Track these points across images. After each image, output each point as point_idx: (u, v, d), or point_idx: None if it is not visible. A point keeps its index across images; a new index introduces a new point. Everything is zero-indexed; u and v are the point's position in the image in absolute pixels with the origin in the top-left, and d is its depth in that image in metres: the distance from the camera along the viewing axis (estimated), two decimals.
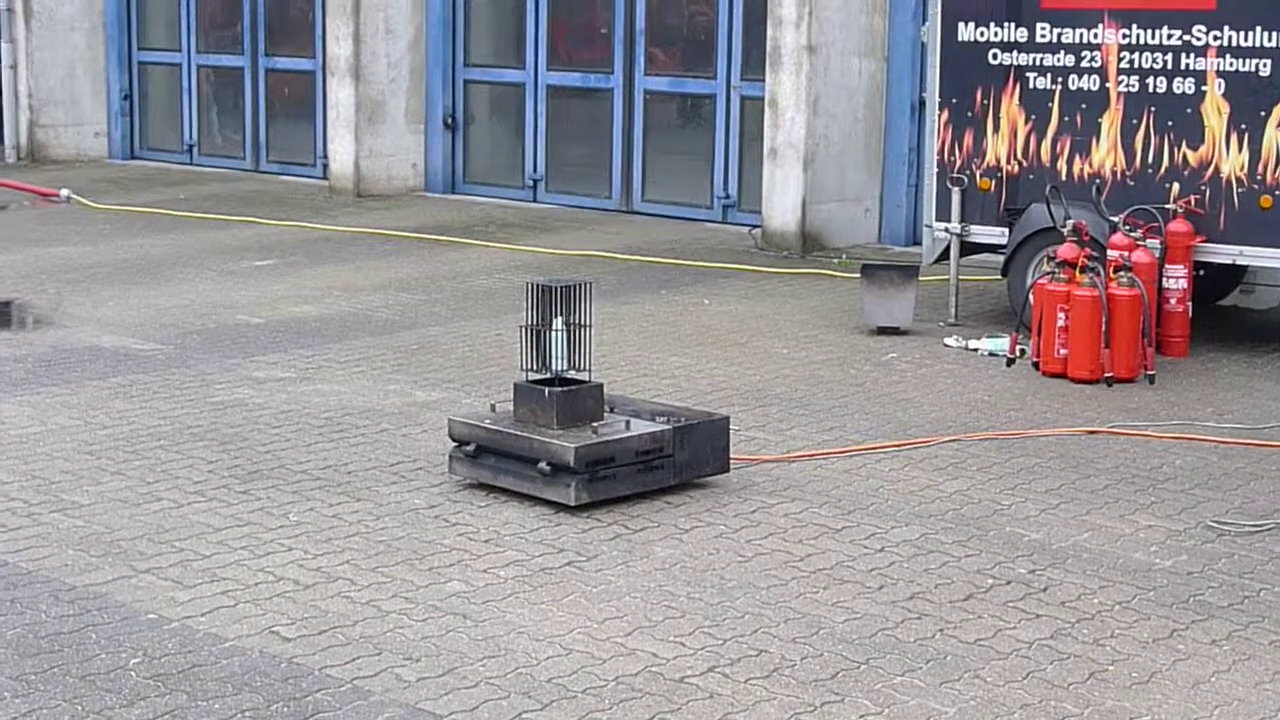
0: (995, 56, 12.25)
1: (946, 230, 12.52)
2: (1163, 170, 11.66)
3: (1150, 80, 11.66)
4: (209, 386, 10.41)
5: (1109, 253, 11.14)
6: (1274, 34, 11.21)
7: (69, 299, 13.25)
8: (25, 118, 22.66)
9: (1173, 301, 11.46)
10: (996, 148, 12.29)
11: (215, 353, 11.36)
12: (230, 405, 9.97)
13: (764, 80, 16.21)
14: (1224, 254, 11.60)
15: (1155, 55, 11.62)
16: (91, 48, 23.02)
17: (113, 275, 14.41)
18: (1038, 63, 12.08)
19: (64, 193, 19.12)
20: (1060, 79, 12.00)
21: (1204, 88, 11.46)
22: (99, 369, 10.84)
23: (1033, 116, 12.13)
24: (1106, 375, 10.76)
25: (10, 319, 12.81)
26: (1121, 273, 10.93)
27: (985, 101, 12.30)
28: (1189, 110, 11.53)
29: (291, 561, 7.26)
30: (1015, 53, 12.16)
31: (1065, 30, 11.95)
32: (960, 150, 12.43)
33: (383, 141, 19.54)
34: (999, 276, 12.67)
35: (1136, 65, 11.70)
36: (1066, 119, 12.00)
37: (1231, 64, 11.36)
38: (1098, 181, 11.84)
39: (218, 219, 17.79)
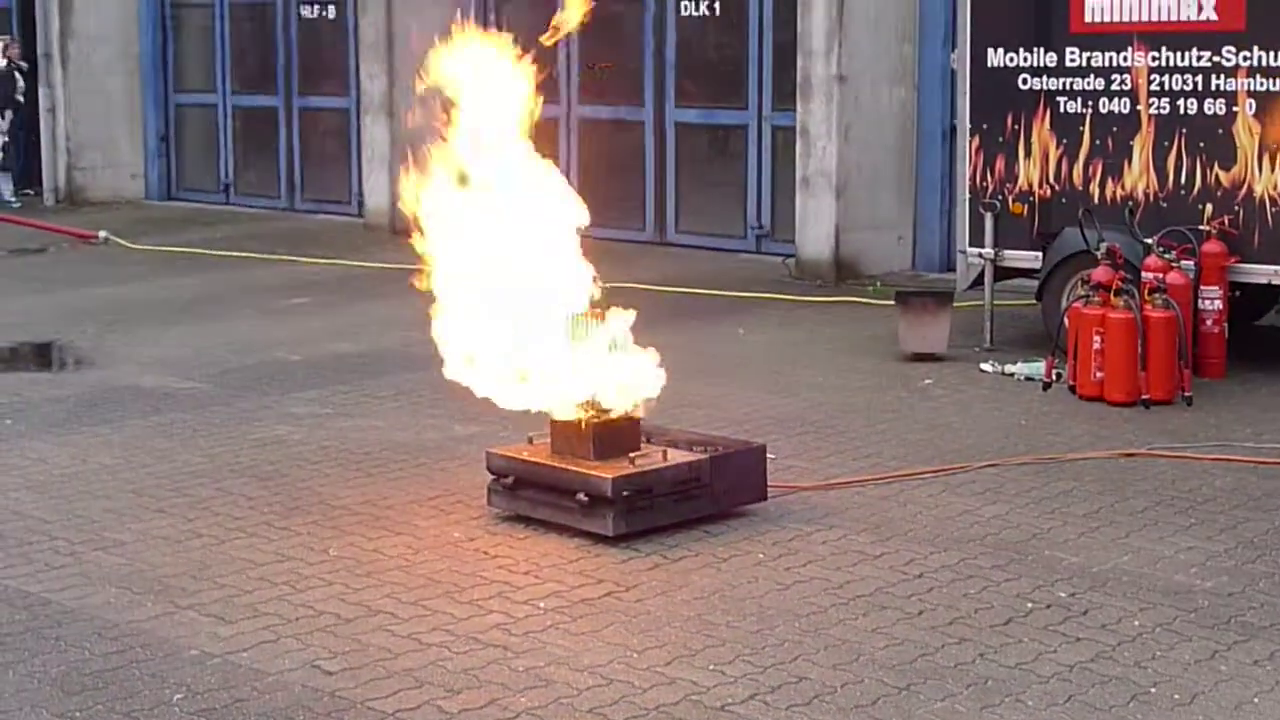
0: (1025, 81, 12.26)
1: (980, 256, 12.53)
2: (1195, 191, 11.65)
3: (1181, 102, 11.67)
4: (248, 424, 10.47)
5: (1143, 275, 11.13)
6: None
7: (108, 339, 13.35)
8: (63, 161, 22.85)
9: (1208, 322, 11.45)
10: (1028, 172, 12.30)
11: (254, 390, 11.43)
12: (270, 442, 10.02)
13: (795, 110, 16.26)
14: (1259, 274, 11.58)
15: (1185, 77, 11.63)
16: (128, 90, 23.22)
17: (151, 315, 14.51)
18: (1068, 87, 12.10)
19: (102, 234, 19.27)
20: (1091, 102, 12.01)
21: (1235, 108, 11.46)
22: (139, 408, 10.91)
23: (1064, 140, 12.14)
24: (1143, 397, 10.74)
25: (51, 360, 12.91)
26: (1156, 295, 10.92)
27: (1016, 126, 12.31)
28: (1220, 131, 11.53)
29: (332, 596, 7.30)
30: (1045, 77, 12.18)
31: (1095, 54, 11.96)
32: (992, 176, 12.44)
33: None
34: (1033, 301, 12.66)
35: (1167, 87, 11.71)
36: (1098, 142, 12.01)
37: (1262, 84, 11.36)
38: (1130, 204, 11.84)
39: (254, 258, 17.89)
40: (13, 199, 22.96)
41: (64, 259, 18.38)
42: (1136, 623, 6.95)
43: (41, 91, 22.94)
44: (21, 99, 23.01)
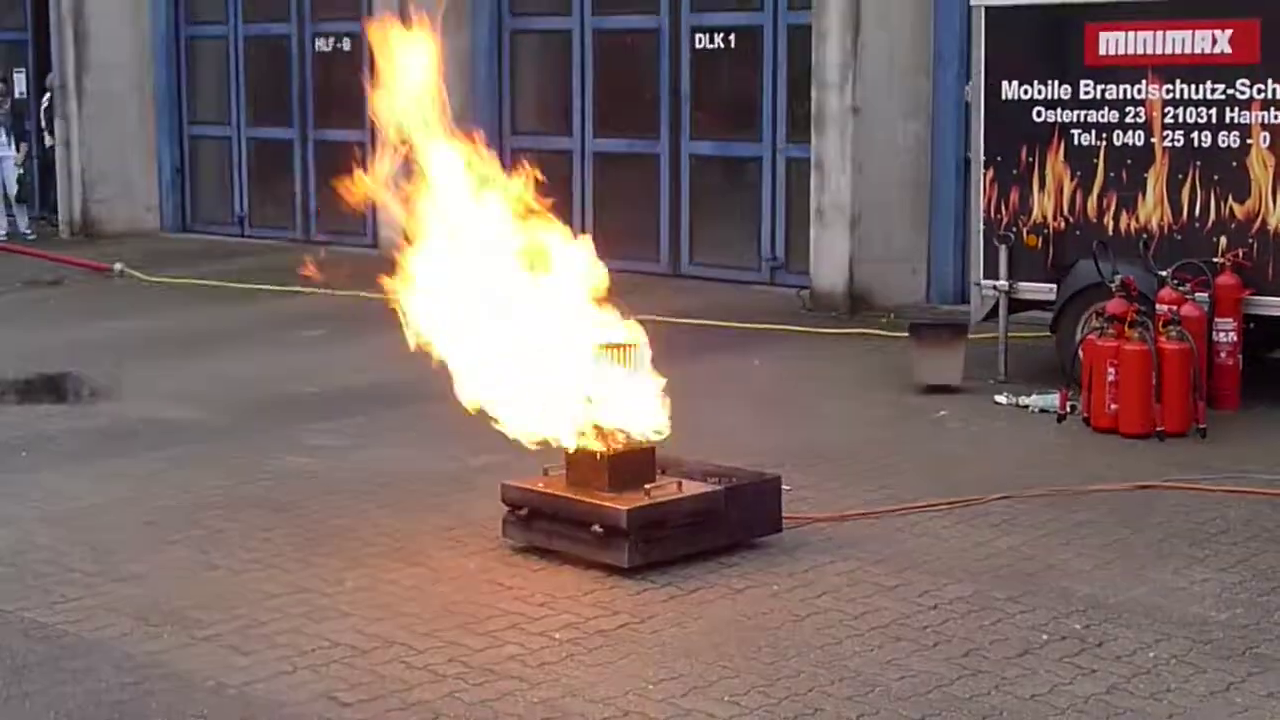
0: (1039, 114, 12.29)
1: (994, 288, 12.53)
2: (1210, 224, 11.66)
3: (1195, 135, 11.68)
4: (264, 455, 10.50)
5: (1158, 307, 11.14)
6: None
7: (124, 370, 13.38)
8: (78, 193, 22.91)
9: (1223, 355, 11.44)
10: (1043, 204, 12.32)
11: (270, 422, 11.46)
12: (285, 473, 10.05)
13: (809, 142, 16.29)
14: (1273, 306, 11.57)
15: (1200, 109, 11.65)
16: (142, 122, 23.29)
17: (166, 347, 14.55)
18: (1082, 119, 12.11)
19: (117, 266, 19.31)
20: (1105, 135, 12.03)
21: (1249, 141, 11.48)
22: (155, 440, 10.94)
23: (1078, 173, 12.15)
24: (1158, 429, 10.74)
25: (67, 392, 12.94)
26: (1170, 327, 10.93)
27: (1030, 159, 12.33)
28: (1234, 164, 11.55)
29: (348, 627, 7.31)
30: (1059, 110, 12.20)
31: (1109, 86, 11.98)
32: (1006, 208, 12.46)
33: None
34: (1048, 333, 12.66)
35: (1181, 120, 11.73)
36: (1112, 175, 12.02)
37: (1276, 117, 11.37)
38: (1145, 236, 11.85)
39: (270, 290, 17.93)
40: (29, 231, 23.04)
41: (79, 291, 18.43)
42: (1152, 654, 6.94)
43: (56, 125, 23.05)
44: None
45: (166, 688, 6.63)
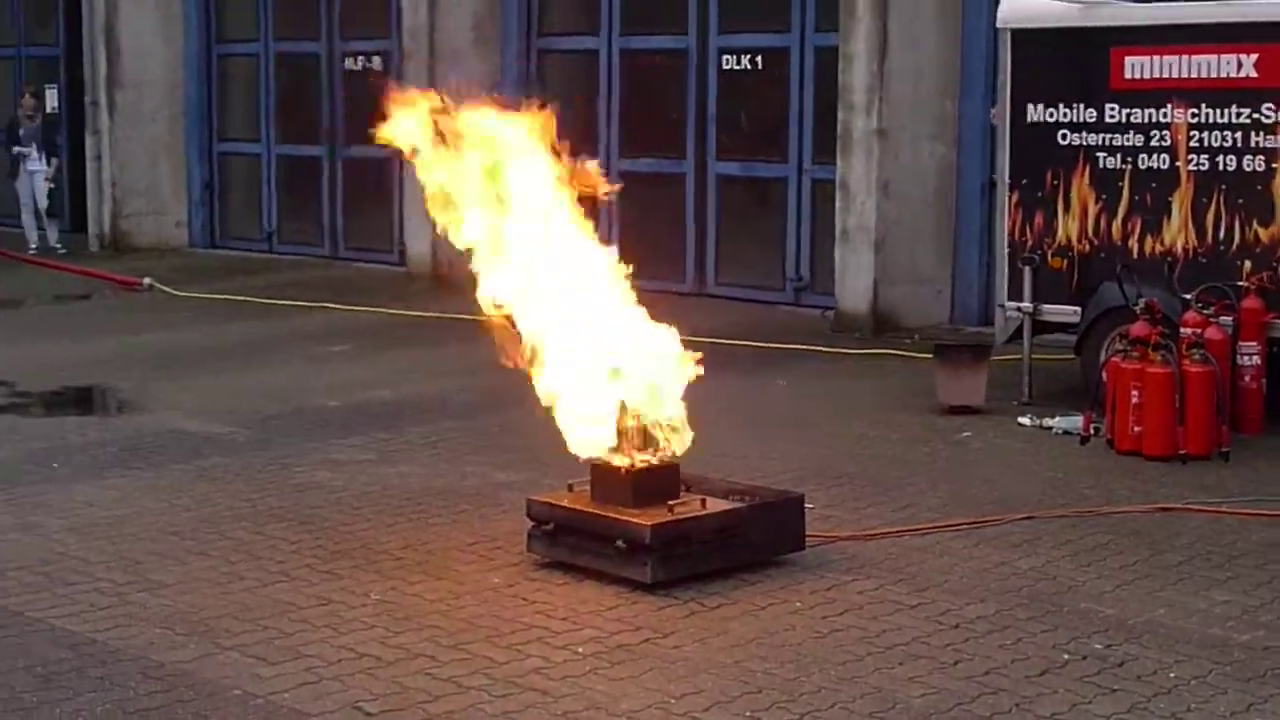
0: (1065, 137, 12.32)
1: (1019, 310, 12.56)
2: (1234, 248, 11.67)
3: (1220, 158, 11.70)
4: (289, 469, 10.56)
5: (1182, 330, 11.15)
6: None
7: (152, 384, 13.47)
8: (108, 207, 23.05)
9: (1246, 378, 11.45)
10: (1067, 227, 12.34)
11: (295, 436, 11.52)
12: (311, 487, 10.11)
13: (835, 164, 16.33)
14: None
15: (1225, 133, 11.67)
16: (173, 138, 23.43)
17: (194, 361, 14.64)
18: (1107, 142, 12.14)
19: (146, 281, 19.42)
20: (1130, 158, 12.06)
21: (1274, 165, 11.50)
22: (182, 452, 11.02)
23: (1103, 196, 12.18)
24: (1180, 452, 10.76)
25: (95, 404, 13.03)
26: (1194, 350, 10.94)
27: (1055, 182, 12.36)
28: (1259, 187, 11.56)
29: (373, 639, 7.37)
30: (1084, 133, 12.23)
31: (1134, 110, 12.01)
32: (1031, 230, 12.49)
33: None
34: (1072, 355, 12.68)
35: (1206, 144, 11.75)
36: (1137, 198, 12.05)
37: None
38: (1169, 260, 11.87)
39: (296, 305, 18.01)
40: (59, 245, 23.17)
41: (108, 305, 18.54)
42: (1172, 675, 6.97)
43: (88, 139, 23.20)
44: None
45: (193, 696, 6.69)
